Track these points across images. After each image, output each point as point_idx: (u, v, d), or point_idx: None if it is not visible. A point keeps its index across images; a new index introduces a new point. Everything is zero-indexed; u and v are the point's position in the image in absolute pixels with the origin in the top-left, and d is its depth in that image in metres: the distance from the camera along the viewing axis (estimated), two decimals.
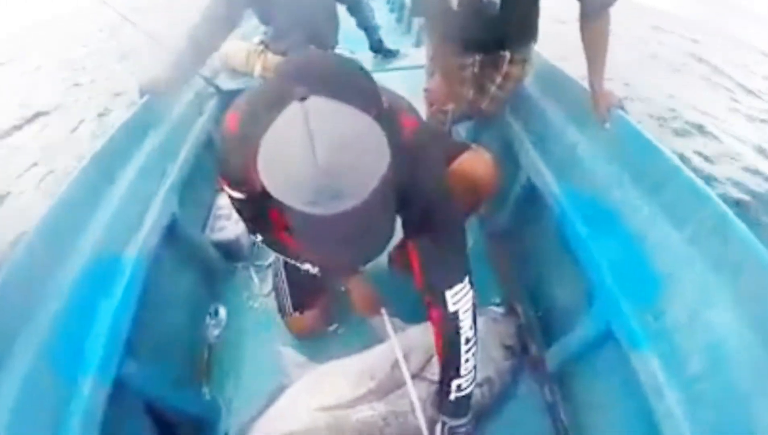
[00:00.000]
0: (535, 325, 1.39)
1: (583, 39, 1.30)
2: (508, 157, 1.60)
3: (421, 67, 1.74)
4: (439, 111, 1.63)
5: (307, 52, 0.83)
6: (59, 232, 1.05)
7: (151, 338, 1.16)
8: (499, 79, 1.58)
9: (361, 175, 0.53)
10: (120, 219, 1.21)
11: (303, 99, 0.54)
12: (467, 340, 0.91)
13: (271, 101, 0.62)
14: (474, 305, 0.92)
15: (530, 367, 1.31)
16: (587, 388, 1.18)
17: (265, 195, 0.57)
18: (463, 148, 1.24)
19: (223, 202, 1.74)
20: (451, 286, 0.88)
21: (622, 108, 1.24)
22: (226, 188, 0.91)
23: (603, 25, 1.28)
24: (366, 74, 0.78)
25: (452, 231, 0.90)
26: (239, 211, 1.02)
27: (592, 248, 1.12)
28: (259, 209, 0.97)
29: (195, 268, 1.52)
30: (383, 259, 1.55)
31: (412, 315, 1.23)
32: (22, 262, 0.92)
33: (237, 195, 0.90)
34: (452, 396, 0.94)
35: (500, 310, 1.37)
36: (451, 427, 0.96)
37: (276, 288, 1.40)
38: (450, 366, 0.93)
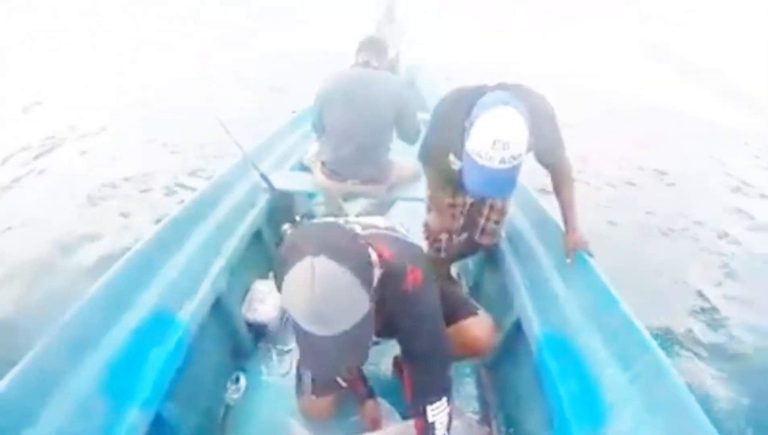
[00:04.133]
0: None
1: (553, 188, 1.64)
2: (504, 297, 1.85)
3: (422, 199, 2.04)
4: (435, 241, 1.92)
5: (326, 224, 1.18)
6: (123, 289, 1.37)
7: (185, 388, 1.38)
8: (486, 211, 1.87)
9: (340, 317, 0.84)
10: (177, 287, 1.52)
11: (314, 256, 0.85)
12: None
13: (298, 250, 0.92)
14: (450, 418, 1.15)
15: None
16: None
17: None
18: (469, 311, 1.43)
19: (260, 287, 2.02)
20: (431, 403, 1.12)
21: (589, 253, 1.53)
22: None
23: (561, 173, 1.61)
24: (360, 243, 1.02)
25: (438, 359, 1.15)
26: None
27: (558, 383, 1.32)
28: None
29: (228, 338, 1.77)
30: (389, 364, 1.76)
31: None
32: (93, 305, 1.24)
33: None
34: None
35: (476, 417, 1.61)
36: None
37: (299, 371, 1.60)
38: None
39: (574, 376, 1.33)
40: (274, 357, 1.85)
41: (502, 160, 1.23)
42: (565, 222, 1.62)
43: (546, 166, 1.62)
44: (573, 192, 1.62)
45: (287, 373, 1.78)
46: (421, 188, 2.07)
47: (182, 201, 1.85)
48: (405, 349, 1.20)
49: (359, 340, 0.90)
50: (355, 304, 0.86)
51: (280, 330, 1.95)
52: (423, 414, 1.13)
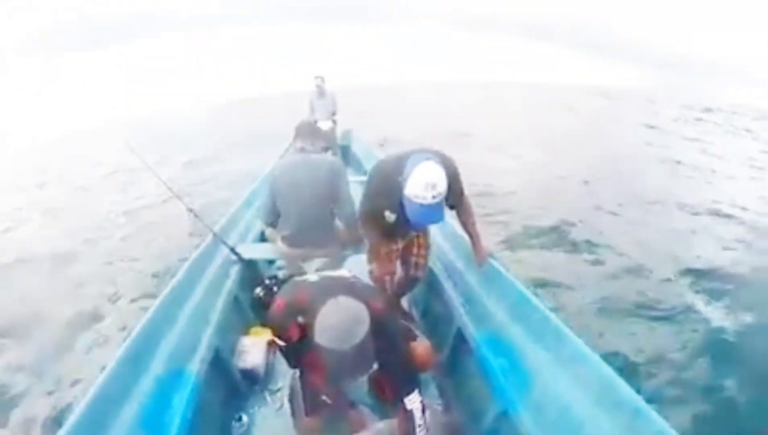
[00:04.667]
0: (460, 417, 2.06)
1: (461, 223, 2.24)
2: (447, 313, 2.37)
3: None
4: (381, 283, 2.33)
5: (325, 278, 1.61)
6: (142, 352, 1.76)
7: (201, 427, 1.72)
8: (415, 250, 2.40)
9: (358, 332, 1.30)
10: (183, 347, 1.90)
11: (335, 298, 1.34)
12: (419, 426, 1.53)
13: (314, 297, 1.43)
14: (423, 406, 1.55)
15: None
16: None
17: (298, 343, 1.42)
18: (410, 337, 1.99)
19: (246, 342, 2.38)
20: (408, 394, 1.54)
21: (494, 258, 2.10)
22: (276, 339, 1.60)
23: (466, 209, 2.20)
24: (359, 282, 1.61)
25: (406, 363, 1.63)
26: (282, 351, 1.68)
27: (495, 368, 1.83)
28: (294, 352, 1.65)
29: (228, 384, 2.13)
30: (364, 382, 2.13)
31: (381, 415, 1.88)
32: (121, 366, 1.61)
33: (280, 343, 1.58)
34: None
35: (440, 407, 2.09)
36: None
37: (292, 400, 1.92)
38: None
39: (506, 358, 1.84)
40: (267, 397, 2.21)
41: (434, 197, 1.75)
42: (472, 243, 2.23)
43: (453, 207, 2.20)
44: (475, 222, 2.23)
45: (280, 407, 2.14)
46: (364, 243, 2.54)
47: (172, 277, 2.24)
48: (382, 361, 1.51)
49: (369, 347, 1.33)
50: (365, 322, 1.33)
51: (267, 374, 2.32)
52: (402, 404, 1.53)
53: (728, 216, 6.06)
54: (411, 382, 1.58)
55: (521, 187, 6.83)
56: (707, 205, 6.36)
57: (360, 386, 2.15)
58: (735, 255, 4.89)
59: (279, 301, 1.56)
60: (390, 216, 2.06)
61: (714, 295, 4.03)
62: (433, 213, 1.82)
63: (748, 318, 3.66)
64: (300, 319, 1.49)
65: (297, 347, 1.57)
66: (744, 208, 6.27)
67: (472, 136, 10.26)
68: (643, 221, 5.75)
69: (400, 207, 1.93)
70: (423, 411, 1.55)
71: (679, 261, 4.62)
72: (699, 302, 3.92)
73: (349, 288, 1.50)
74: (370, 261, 2.38)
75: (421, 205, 1.78)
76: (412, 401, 1.54)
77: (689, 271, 4.43)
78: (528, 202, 6.21)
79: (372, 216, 2.15)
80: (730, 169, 8.65)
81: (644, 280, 4.31)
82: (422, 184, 1.75)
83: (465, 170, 2.10)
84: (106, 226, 6.42)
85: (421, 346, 1.94)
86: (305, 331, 1.46)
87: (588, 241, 5.05)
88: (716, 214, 6.13)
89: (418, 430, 1.53)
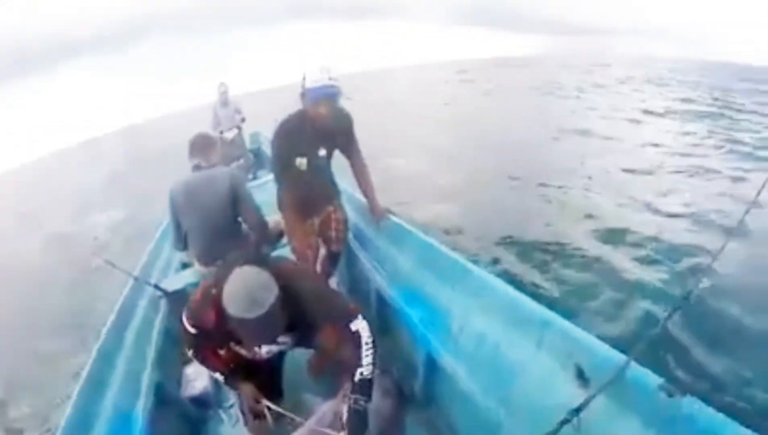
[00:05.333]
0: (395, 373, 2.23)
1: (354, 176, 2.44)
2: (364, 280, 2.55)
3: None
4: (304, 257, 2.46)
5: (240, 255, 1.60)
6: (92, 396, 1.80)
7: None
8: (333, 224, 2.57)
9: (265, 297, 1.37)
10: (125, 391, 1.96)
11: (240, 267, 1.42)
12: (366, 344, 1.52)
13: (220, 274, 1.50)
14: (371, 329, 1.56)
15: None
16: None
17: (212, 330, 1.47)
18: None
19: (189, 371, 2.43)
20: (351, 321, 1.56)
21: (392, 213, 2.31)
22: (189, 328, 1.64)
23: (360, 161, 2.41)
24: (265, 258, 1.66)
25: (336, 302, 1.68)
26: (189, 345, 1.73)
27: (413, 317, 2.03)
28: (203, 339, 1.70)
29: (179, 415, 2.19)
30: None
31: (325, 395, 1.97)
32: (76, 412, 1.67)
33: (193, 331, 1.64)
34: (356, 379, 1.49)
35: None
36: (355, 399, 1.46)
37: (243, 410, 2.03)
38: (356, 361, 1.51)
39: (422, 307, 2.03)
40: (222, 415, 2.29)
41: (330, 79, 2.07)
42: (368, 200, 2.48)
43: (346, 154, 2.42)
44: (370, 180, 2.45)
45: (237, 421, 2.23)
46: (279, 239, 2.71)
47: (103, 324, 2.26)
48: (313, 311, 1.59)
49: (278, 314, 1.40)
50: (272, 289, 1.39)
51: (216, 395, 2.39)
52: (348, 330, 1.54)
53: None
54: (349, 314, 1.59)
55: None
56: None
57: (303, 375, 2.29)
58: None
59: (192, 301, 1.64)
60: (301, 162, 2.24)
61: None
62: (332, 89, 2.08)
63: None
64: (213, 293, 1.52)
65: (207, 335, 1.62)
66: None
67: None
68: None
69: (308, 149, 2.22)
70: (371, 332, 1.56)
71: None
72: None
73: (254, 259, 1.52)
74: (289, 239, 2.52)
75: (322, 86, 2.05)
76: (357, 324, 1.56)
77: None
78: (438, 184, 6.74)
79: (286, 169, 2.31)
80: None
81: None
82: (318, 70, 2.06)
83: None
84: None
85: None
86: (218, 307, 1.45)
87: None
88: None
89: (365, 347, 1.52)
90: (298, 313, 1.55)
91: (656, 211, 5.26)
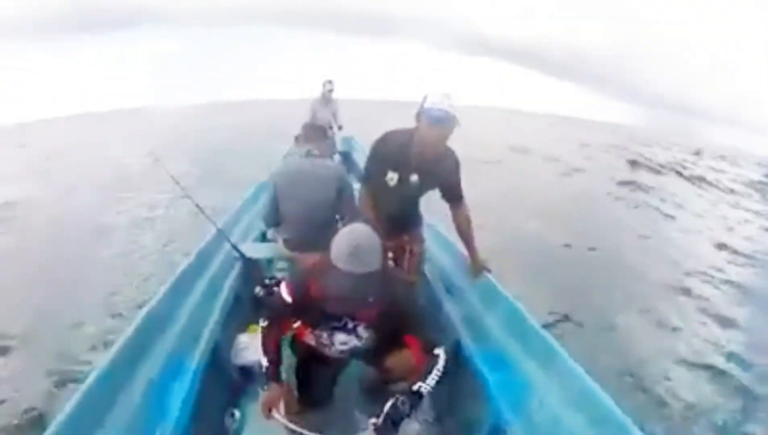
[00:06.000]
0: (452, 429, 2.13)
1: (455, 225, 2.28)
2: (444, 325, 2.40)
3: None
4: None
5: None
6: (145, 339, 1.81)
7: (194, 418, 1.77)
8: (407, 256, 2.48)
9: (373, 259, 1.40)
10: (183, 339, 1.97)
11: (350, 222, 1.44)
12: (439, 370, 1.61)
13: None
14: (447, 361, 1.63)
15: None
16: None
17: (306, 304, 1.55)
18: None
19: (243, 339, 2.44)
20: (437, 346, 1.67)
21: (489, 271, 2.16)
22: (285, 296, 1.67)
23: (462, 211, 2.24)
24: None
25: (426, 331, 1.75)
26: (275, 314, 1.77)
27: (489, 378, 1.89)
28: (293, 313, 1.74)
29: (224, 379, 2.20)
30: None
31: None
32: (123, 351, 1.66)
33: (288, 300, 1.67)
34: (413, 387, 1.56)
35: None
36: (402, 401, 1.53)
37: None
38: (422, 378, 1.58)
39: (500, 372, 1.89)
40: (261, 392, 2.26)
41: (449, 106, 1.97)
42: (468, 252, 2.29)
43: (448, 199, 2.28)
44: (472, 230, 2.27)
45: None
46: None
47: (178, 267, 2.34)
48: (407, 320, 1.72)
49: (375, 285, 1.44)
50: (380, 254, 1.44)
51: (261, 374, 2.37)
52: (432, 352, 1.64)
53: None
54: (436, 339, 1.72)
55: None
56: None
57: (352, 385, 2.22)
58: None
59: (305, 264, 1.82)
60: (393, 177, 2.18)
61: None
62: (449, 115, 1.98)
63: None
64: (319, 269, 1.55)
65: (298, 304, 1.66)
66: None
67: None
68: None
69: (403, 167, 2.14)
70: (446, 363, 1.64)
71: None
72: None
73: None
74: None
75: (439, 110, 1.98)
76: (440, 350, 1.66)
77: None
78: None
79: (374, 177, 2.26)
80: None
81: None
82: (439, 95, 2.00)
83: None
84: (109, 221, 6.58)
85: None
86: (319, 283, 1.51)
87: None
88: None
89: (436, 372, 1.60)
90: (390, 314, 1.64)
91: None
